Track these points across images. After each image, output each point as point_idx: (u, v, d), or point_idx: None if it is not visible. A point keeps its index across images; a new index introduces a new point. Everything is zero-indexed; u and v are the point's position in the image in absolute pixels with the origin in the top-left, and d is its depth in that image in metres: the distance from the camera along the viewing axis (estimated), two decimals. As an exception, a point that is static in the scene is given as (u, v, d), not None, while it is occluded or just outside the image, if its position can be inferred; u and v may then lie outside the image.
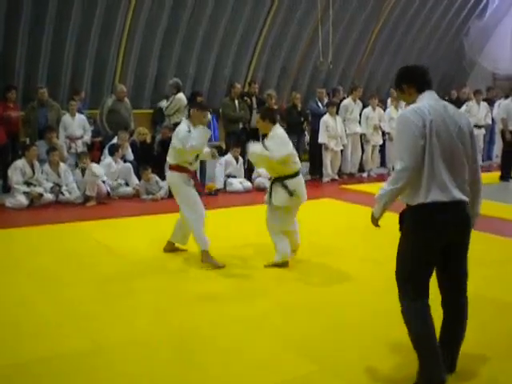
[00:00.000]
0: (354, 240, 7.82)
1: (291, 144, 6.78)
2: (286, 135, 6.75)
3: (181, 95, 12.04)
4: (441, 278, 4.05)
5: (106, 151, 11.09)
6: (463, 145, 3.86)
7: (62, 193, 10.23)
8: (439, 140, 3.76)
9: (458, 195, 3.80)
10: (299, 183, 6.74)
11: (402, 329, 3.94)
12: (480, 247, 7.37)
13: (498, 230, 8.27)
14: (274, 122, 6.70)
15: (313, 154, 13.11)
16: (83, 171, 10.29)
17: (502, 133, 13.14)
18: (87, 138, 11.74)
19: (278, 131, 6.69)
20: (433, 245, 3.81)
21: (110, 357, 4.41)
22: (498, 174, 12.99)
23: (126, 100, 12.00)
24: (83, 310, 5.34)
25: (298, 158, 6.80)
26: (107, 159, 10.83)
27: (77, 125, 11.58)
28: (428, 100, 3.90)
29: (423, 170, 3.74)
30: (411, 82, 4.03)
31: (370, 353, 4.46)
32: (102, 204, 10.15)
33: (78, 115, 11.64)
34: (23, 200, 9.83)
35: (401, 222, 3.95)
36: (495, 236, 7.97)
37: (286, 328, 4.95)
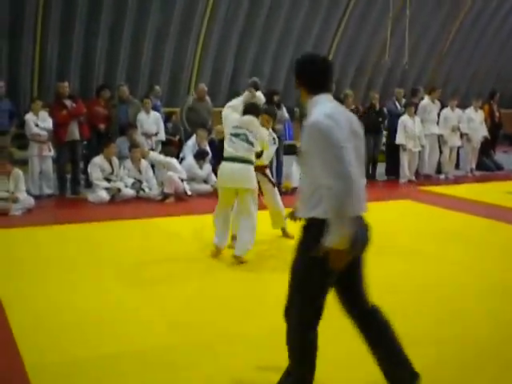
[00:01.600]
0: (431, 241, 7.67)
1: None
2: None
3: (258, 93, 12.06)
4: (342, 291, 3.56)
5: (185, 148, 11.22)
6: (360, 148, 3.40)
7: (142, 189, 10.39)
8: (352, 143, 3.27)
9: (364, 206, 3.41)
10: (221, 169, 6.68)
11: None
12: None
13: None
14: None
15: (390, 155, 12.93)
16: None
17: None
18: (161, 135, 11.78)
19: None
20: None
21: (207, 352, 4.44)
22: None
23: (207, 99, 12.15)
24: (169, 305, 5.40)
25: (230, 144, 6.61)
26: (189, 159, 10.93)
27: (151, 121, 11.61)
28: (327, 103, 3.37)
29: None
30: (303, 79, 3.44)
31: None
32: (180, 201, 10.26)
33: (152, 112, 11.67)
34: (104, 195, 10.03)
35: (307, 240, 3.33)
36: None
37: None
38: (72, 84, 12.57)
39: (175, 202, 10.20)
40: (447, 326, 4.92)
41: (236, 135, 6.60)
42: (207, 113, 11.97)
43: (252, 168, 6.62)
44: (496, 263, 6.78)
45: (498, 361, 4.31)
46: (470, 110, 13.67)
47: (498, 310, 5.29)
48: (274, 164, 11.84)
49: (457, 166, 14.13)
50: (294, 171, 11.35)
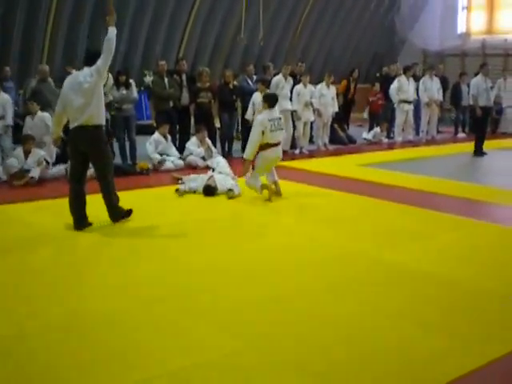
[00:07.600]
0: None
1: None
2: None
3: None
4: None
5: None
6: None
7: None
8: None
9: None
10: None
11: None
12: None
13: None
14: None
15: (245, 132, 13.07)
16: (26, 154, 10.11)
17: (472, 109, 13.70)
18: (8, 119, 11.04)
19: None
20: None
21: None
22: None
23: (50, 80, 11.61)
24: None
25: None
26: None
27: (-2, 104, 10.93)
28: None
29: None
30: None
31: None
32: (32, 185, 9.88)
33: (1, 94, 11.04)
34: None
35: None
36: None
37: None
38: None
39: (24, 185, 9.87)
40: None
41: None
42: (52, 94, 11.32)
43: None
44: (345, 233, 7.19)
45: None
46: (321, 86, 14.09)
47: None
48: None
49: (311, 141, 14.53)
50: (149, 151, 11.32)
